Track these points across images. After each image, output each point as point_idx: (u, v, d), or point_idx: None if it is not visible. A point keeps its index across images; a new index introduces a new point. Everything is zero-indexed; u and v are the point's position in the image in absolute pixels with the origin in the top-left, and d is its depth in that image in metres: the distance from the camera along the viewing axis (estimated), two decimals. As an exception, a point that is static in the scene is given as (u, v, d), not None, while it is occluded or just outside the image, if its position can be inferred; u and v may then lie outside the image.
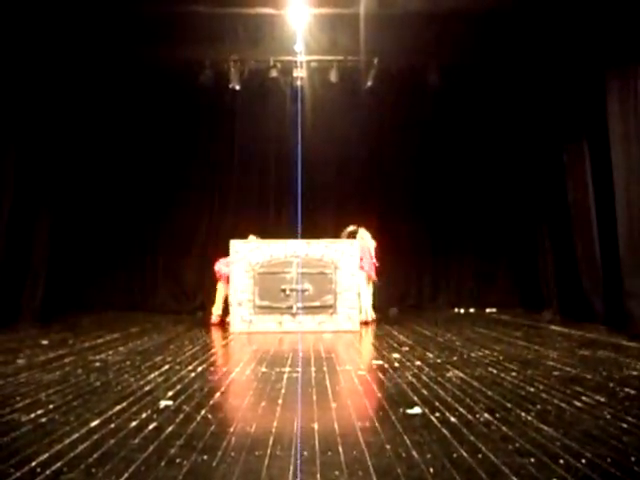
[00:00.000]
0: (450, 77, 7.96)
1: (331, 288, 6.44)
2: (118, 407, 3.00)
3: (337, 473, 2.09)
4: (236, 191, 8.89)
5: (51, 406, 3.01)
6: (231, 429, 2.63)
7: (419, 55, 7.67)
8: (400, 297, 8.88)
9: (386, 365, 4.22)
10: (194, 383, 3.61)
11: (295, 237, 6.69)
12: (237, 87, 7.82)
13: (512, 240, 8.97)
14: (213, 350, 5.04)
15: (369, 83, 7.91)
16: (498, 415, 2.82)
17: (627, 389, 3.37)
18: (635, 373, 3.84)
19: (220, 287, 6.99)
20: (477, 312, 8.56)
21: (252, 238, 6.86)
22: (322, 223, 8.26)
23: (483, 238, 8.94)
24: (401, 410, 2.93)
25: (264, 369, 4.11)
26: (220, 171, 8.95)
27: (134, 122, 8.70)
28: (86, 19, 6.59)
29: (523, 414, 2.83)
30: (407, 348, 5.04)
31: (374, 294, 7.27)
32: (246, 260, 6.46)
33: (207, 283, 8.70)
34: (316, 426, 2.67)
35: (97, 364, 4.25)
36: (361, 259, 6.69)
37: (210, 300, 7.49)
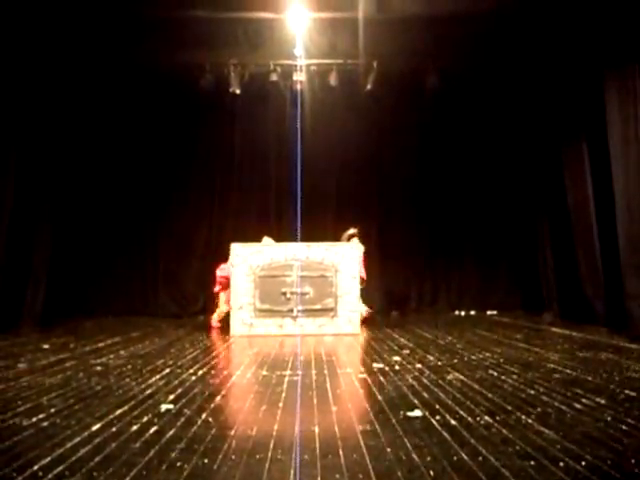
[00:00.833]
0: (449, 79, 7.99)
1: (331, 291, 6.44)
2: (119, 411, 3.00)
3: (338, 476, 2.09)
4: (236, 195, 8.91)
5: (52, 410, 3.02)
6: (232, 432, 2.63)
7: (418, 58, 7.70)
8: (401, 300, 8.89)
9: (387, 368, 4.22)
10: (195, 386, 3.61)
11: (295, 240, 6.71)
12: (237, 91, 7.85)
13: (512, 242, 8.98)
14: (214, 353, 5.05)
15: (369, 86, 7.94)
16: (498, 418, 2.82)
17: (627, 391, 3.37)
18: (636, 375, 3.84)
19: (222, 294, 7.00)
20: (478, 314, 8.56)
21: (267, 240, 6.86)
22: (322, 226, 8.29)
23: (483, 240, 8.95)
24: (402, 413, 2.93)
25: (265, 372, 4.12)
26: (220, 175, 8.98)
27: (135, 126, 8.75)
28: (87, 23, 6.64)
29: (523, 417, 2.83)
30: (408, 351, 5.04)
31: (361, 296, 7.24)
32: (247, 263, 6.47)
33: (208, 287, 8.73)
34: (317, 429, 2.67)
35: (98, 368, 4.26)
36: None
37: (211, 303, 7.50)
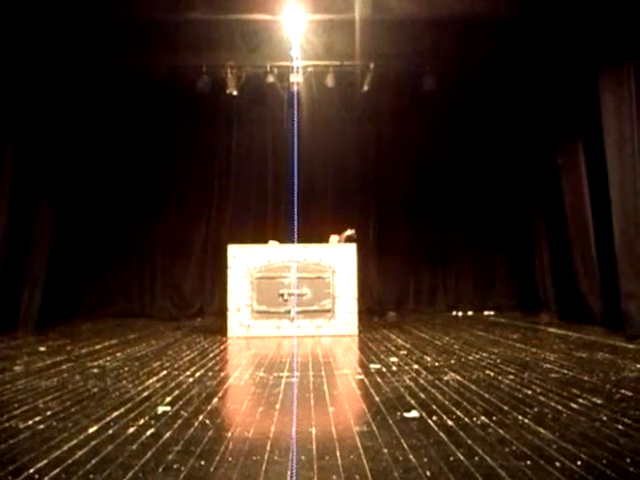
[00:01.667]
0: (446, 81, 8.00)
1: (329, 292, 6.45)
2: (116, 413, 3.00)
3: (335, 477, 2.10)
4: (234, 196, 8.91)
5: (49, 413, 3.02)
6: (229, 434, 2.64)
7: (415, 60, 7.71)
8: (398, 301, 8.89)
9: (384, 369, 4.23)
10: (192, 388, 3.61)
11: (293, 241, 6.71)
12: (234, 93, 7.85)
13: (510, 243, 9.00)
14: (211, 355, 5.04)
15: (365, 88, 7.95)
16: (495, 418, 2.83)
17: (623, 391, 3.38)
18: (632, 375, 3.85)
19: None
20: (475, 315, 8.57)
21: (273, 243, 6.86)
22: (320, 227, 8.28)
23: (481, 241, 8.97)
24: (398, 414, 2.94)
25: (262, 374, 4.12)
26: (217, 176, 8.97)
27: (132, 128, 8.74)
28: (86, 25, 6.64)
29: (520, 417, 2.84)
30: (405, 352, 5.05)
31: None
32: (244, 265, 6.47)
33: (206, 289, 8.74)
34: (314, 431, 2.68)
35: (95, 370, 4.25)
36: None
37: (207, 305, 7.47)
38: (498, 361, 4.45)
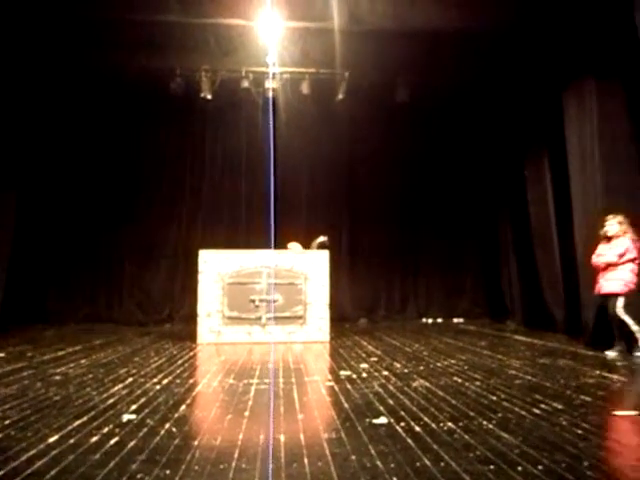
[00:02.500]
0: (419, 93, 8.17)
1: (301, 299, 6.45)
2: (78, 422, 2.91)
3: (302, 484, 2.09)
4: (206, 200, 8.82)
5: (7, 422, 2.90)
6: (196, 442, 2.59)
7: (389, 71, 7.85)
8: (370, 308, 8.97)
9: (354, 375, 4.25)
10: (159, 396, 3.54)
11: (266, 247, 6.68)
12: (208, 96, 7.80)
13: (479, 252, 9.23)
14: (180, 362, 4.96)
15: (340, 96, 8.03)
16: (461, 424, 2.88)
17: (583, 396, 3.50)
18: (591, 381, 4.00)
19: None
20: (445, 322, 8.73)
21: (294, 245, 6.82)
22: (293, 233, 8.26)
23: (451, 250, 9.15)
24: (367, 420, 2.96)
25: (232, 381, 4.08)
26: (190, 180, 8.87)
27: (104, 129, 8.56)
28: (59, 25, 6.48)
29: (485, 422, 2.90)
30: (375, 358, 5.09)
31: None
32: (215, 270, 6.40)
33: (175, 294, 8.59)
34: (282, 438, 2.67)
35: (57, 378, 4.11)
36: None
37: (177, 311, 7.34)
38: (465, 368, 4.54)
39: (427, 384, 3.88)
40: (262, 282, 6.40)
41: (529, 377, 4.12)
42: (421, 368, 4.54)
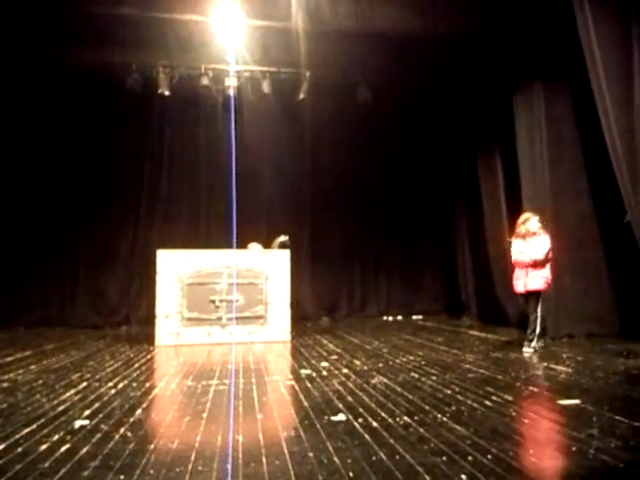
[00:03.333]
0: (379, 94, 8.29)
1: (261, 299, 6.42)
2: (27, 430, 2.80)
3: (259, 484, 2.10)
4: (165, 199, 8.62)
5: (-53, 433, 2.75)
6: (151, 446, 2.55)
7: (350, 72, 7.93)
8: (331, 307, 9.04)
9: (314, 374, 4.28)
10: (114, 400, 3.45)
11: (226, 247, 6.61)
12: (166, 93, 7.64)
13: (437, 250, 9.47)
14: (136, 365, 4.83)
15: (302, 96, 8.04)
16: (417, 417, 2.96)
17: (531, 387, 3.68)
18: (539, 372, 4.20)
19: None
20: (405, 319, 8.91)
21: (254, 246, 6.72)
22: (254, 232, 8.22)
23: (410, 248, 9.35)
24: (326, 418, 2.99)
25: (190, 382, 4.02)
26: (148, 178, 8.63)
27: (57, 126, 8.20)
28: (14, 18, 6.17)
29: (439, 415, 3.00)
30: (336, 356, 5.14)
31: None
32: (174, 271, 6.28)
33: (132, 295, 8.34)
34: (241, 438, 2.66)
35: (4, 385, 3.93)
36: None
37: (134, 312, 7.12)
38: (423, 363, 4.66)
39: (385, 380, 3.96)
40: (222, 282, 6.33)
41: (482, 371, 4.28)
42: (380, 365, 4.63)
